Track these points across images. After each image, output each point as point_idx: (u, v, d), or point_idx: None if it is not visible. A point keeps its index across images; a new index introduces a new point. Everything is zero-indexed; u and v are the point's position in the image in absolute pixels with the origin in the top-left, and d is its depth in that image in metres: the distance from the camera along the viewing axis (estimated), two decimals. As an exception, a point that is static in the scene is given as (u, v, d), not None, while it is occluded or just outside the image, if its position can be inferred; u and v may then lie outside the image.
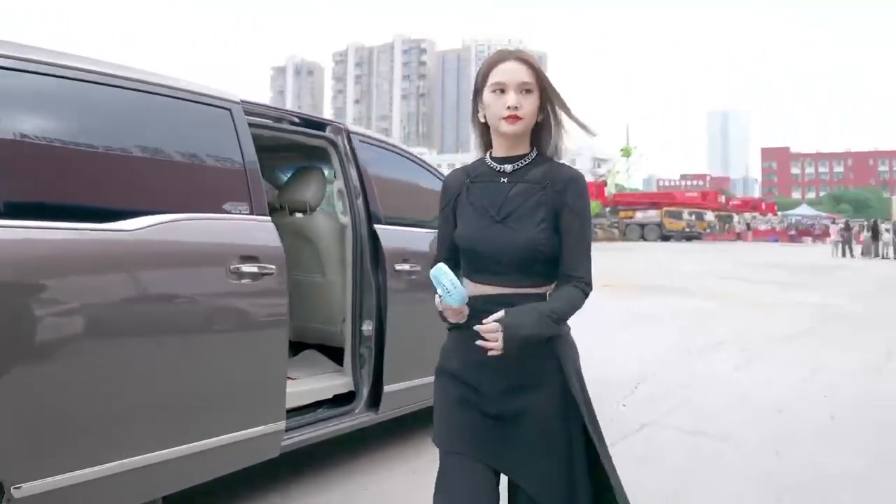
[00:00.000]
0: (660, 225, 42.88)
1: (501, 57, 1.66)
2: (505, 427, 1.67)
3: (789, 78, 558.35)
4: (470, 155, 2.03)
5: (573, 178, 1.68)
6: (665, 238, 41.52)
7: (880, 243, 28.24)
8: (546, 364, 1.66)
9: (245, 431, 2.60)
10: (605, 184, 46.45)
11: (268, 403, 2.72)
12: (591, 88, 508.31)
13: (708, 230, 44.75)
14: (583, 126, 1.75)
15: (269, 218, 2.77)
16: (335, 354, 3.62)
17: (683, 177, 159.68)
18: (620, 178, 52.05)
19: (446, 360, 1.79)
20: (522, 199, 1.67)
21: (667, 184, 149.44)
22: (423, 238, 3.64)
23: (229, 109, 2.78)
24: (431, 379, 3.73)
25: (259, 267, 2.62)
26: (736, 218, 52.69)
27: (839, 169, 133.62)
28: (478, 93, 1.69)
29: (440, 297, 1.61)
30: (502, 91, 1.63)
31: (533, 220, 1.64)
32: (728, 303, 11.10)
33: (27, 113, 2.12)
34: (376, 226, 3.44)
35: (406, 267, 3.51)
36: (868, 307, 11.09)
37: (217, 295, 2.52)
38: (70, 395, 2.08)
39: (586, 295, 1.67)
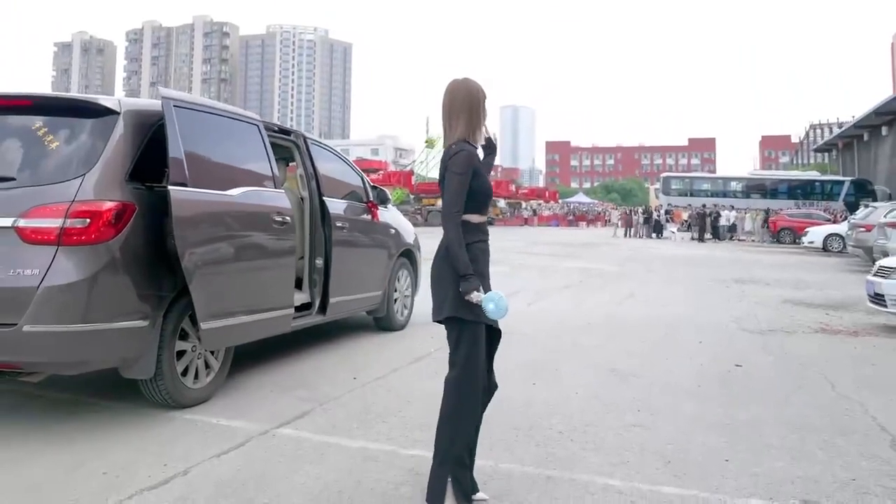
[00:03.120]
0: (458, 212, 46.61)
1: None
2: None
3: (573, 76, 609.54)
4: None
5: None
6: (463, 223, 45.34)
7: (649, 226, 34.28)
8: None
9: (280, 311, 4.57)
10: (412, 173, 49.53)
11: (287, 296, 4.69)
12: (393, 80, 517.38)
13: (500, 216, 49.54)
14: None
15: (283, 191, 4.74)
16: (296, 282, 5.56)
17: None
18: (419, 168, 54.60)
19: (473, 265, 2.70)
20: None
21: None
22: (347, 206, 5.76)
23: (257, 125, 4.68)
24: (360, 295, 5.91)
25: (283, 218, 4.59)
26: (524, 205, 58.53)
27: (611, 162, 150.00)
28: (482, 103, 2.82)
29: (491, 311, 2.59)
30: None
31: None
32: (521, 268, 14.12)
33: (193, 136, 3.95)
34: (324, 198, 5.46)
35: (340, 224, 5.56)
36: (621, 269, 14.75)
37: (270, 230, 4.46)
38: (219, 275, 3.97)
39: None
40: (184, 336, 4.01)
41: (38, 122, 3.70)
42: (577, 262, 16.41)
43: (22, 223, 3.42)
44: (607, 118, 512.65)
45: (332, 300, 5.45)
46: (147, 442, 3.44)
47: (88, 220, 3.47)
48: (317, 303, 5.42)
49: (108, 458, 3.20)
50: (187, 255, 3.69)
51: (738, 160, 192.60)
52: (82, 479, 2.98)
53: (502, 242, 23.73)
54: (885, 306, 7.41)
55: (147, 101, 4.14)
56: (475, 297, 2.62)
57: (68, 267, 3.41)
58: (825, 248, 23.46)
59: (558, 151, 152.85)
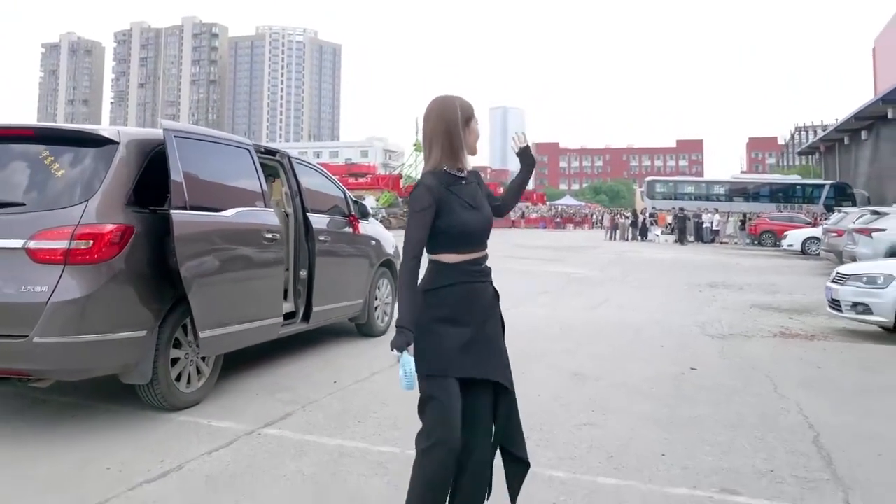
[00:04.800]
0: (446, 213, 47.06)
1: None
2: (480, 344, 2.47)
3: (562, 77, 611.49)
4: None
5: (481, 176, 2.65)
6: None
7: (636, 228, 34.83)
8: (495, 301, 2.64)
9: (269, 319, 4.98)
10: (400, 175, 49.98)
11: (276, 305, 5.10)
12: (383, 81, 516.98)
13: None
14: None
15: (273, 209, 5.14)
16: (281, 292, 5.96)
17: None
18: (407, 170, 54.86)
19: (437, 311, 2.43)
20: (478, 193, 2.55)
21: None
22: (329, 220, 6.16)
23: (248, 149, 5.08)
24: (342, 304, 6.34)
25: (273, 235, 4.99)
26: (513, 207, 58.84)
27: (599, 163, 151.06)
28: (466, 123, 2.50)
29: (399, 376, 2.31)
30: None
31: (486, 205, 2.56)
32: (504, 272, 14.51)
33: (191, 162, 4.34)
34: (307, 213, 5.85)
35: (323, 238, 5.96)
36: (602, 273, 15.21)
37: (260, 246, 4.87)
38: (215, 289, 4.36)
39: None
40: (177, 345, 4.39)
41: (45, 151, 4.08)
42: (560, 266, 16.87)
43: (32, 244, 3.80)
44: (596, 120, 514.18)
45: (315, 309, 5.84)
46: (145, 441, 3.82)
47: (92, 242, 3.86)
48: (301, 312, 5.80)
49: (111, 456, 3.58)
50: (187, 272, 4.09)
51: (725, 161, 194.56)
52: (89, 474, 3.37)
53: (489, 247, 24.16)
54: (842, 311, 7.88)
55: (144, 131, 4.53)
56: (395, 355, 2.35)
57: (74, 284, 3.80)
58: (804, 252, 24.06)
59: (547, 153, 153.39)
